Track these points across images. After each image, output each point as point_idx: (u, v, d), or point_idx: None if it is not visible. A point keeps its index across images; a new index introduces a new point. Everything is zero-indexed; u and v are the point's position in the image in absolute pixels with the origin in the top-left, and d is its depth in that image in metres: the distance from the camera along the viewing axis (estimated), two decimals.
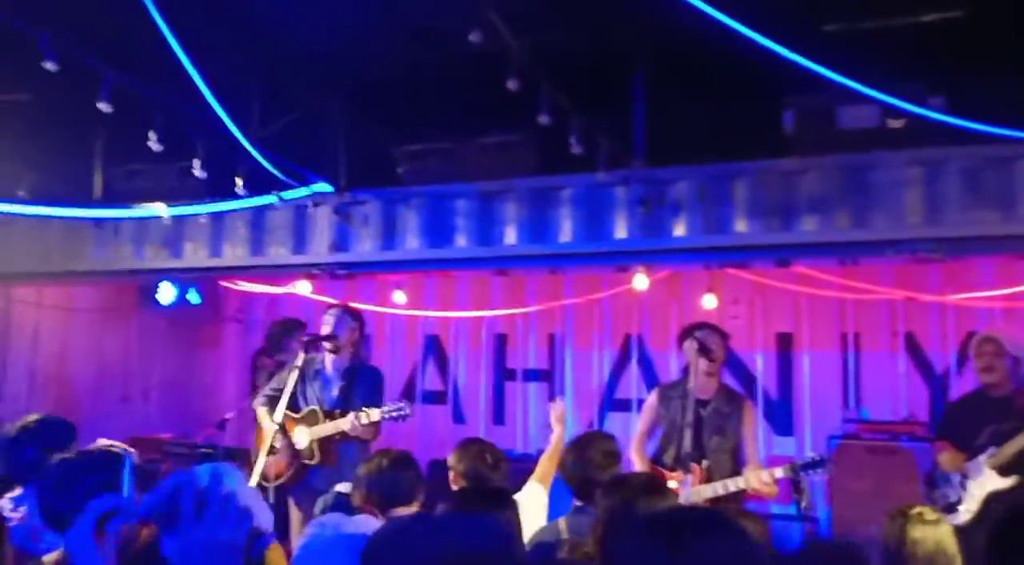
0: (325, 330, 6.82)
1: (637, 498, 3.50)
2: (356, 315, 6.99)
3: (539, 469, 5.44)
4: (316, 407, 6.69)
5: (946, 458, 5.99)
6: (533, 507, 4.99)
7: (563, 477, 4.60)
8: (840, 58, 5.43)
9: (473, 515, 2.76)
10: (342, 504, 4.62)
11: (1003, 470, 5.64)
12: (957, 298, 7.94)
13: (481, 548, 2.19)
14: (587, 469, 4.44)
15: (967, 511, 5.76)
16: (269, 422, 6.54)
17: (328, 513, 4.50)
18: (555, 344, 9.65)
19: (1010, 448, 5.64)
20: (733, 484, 5.79)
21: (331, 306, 7.09)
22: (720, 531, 2.04)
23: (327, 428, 6.54)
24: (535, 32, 5.98)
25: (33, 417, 4.73)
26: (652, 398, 6.54)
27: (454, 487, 4.65)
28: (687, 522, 2.10)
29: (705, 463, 5.86)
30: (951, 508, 5.76)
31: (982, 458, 5.77)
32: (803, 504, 7.02)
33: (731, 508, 5.36)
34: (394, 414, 6.30)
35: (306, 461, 6.61)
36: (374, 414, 6.31)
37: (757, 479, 5.74)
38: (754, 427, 6.32)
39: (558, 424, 5.73)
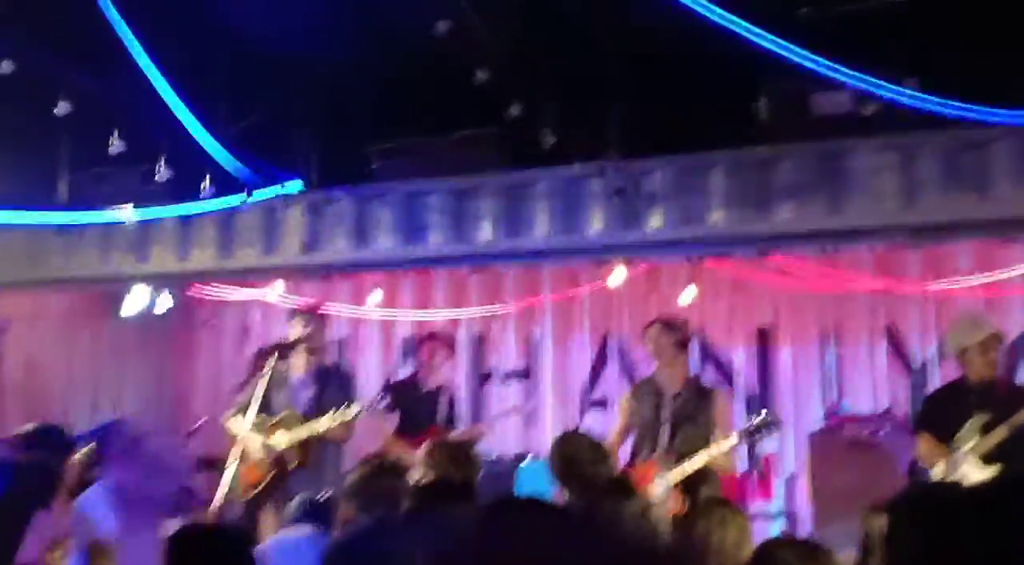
0: (293, 335, 6.70)
1: (603, 499, 3.47)
2: (322, 316, 6.89)
3: None
4: (293, 410, 6.58)
5: (927, 451, 5.78)
6: None
7: (550, 471, 4.57)
8: (813, 43, 5.39)
9: (436, 513, 2.63)
10: (315, 508, 4.53)
11: (986, 460, 5.49)
12: (937, 287, 7.86)
13: (445, 546, 2.07)
14: (573, 462, 4.42)
15: None
16: (241, 431, 6.44)
17: (298, 518, 4.40)
18: (533, 343, 9.53)
19: (993, 438, 5.48)
20: (693, 463, 5.63)
21: (295, 310, 6.98)
22: None
23: (303, 432, 6.44)
24: (506, 24, 5.92)
25: (31, 427, 4.72)
26: (625, 397, 6.43)
27: None
28: None
29: (676, 454, 5.73)
30: None
31: (964, 449, 5.61)
32: (759, 469, 6.91)
33: (713, 498, 5.19)
34: (374, 406, 6.24)
35: (289, 464, 6.49)
36: (349, 413, 6.23)
37: (714, 451, 5.62)
38: (728, 416, 6.21)
39: None
